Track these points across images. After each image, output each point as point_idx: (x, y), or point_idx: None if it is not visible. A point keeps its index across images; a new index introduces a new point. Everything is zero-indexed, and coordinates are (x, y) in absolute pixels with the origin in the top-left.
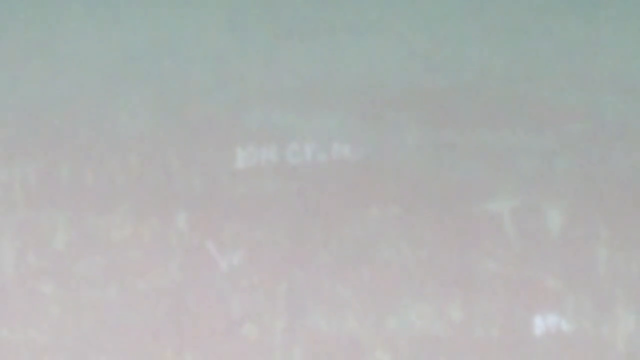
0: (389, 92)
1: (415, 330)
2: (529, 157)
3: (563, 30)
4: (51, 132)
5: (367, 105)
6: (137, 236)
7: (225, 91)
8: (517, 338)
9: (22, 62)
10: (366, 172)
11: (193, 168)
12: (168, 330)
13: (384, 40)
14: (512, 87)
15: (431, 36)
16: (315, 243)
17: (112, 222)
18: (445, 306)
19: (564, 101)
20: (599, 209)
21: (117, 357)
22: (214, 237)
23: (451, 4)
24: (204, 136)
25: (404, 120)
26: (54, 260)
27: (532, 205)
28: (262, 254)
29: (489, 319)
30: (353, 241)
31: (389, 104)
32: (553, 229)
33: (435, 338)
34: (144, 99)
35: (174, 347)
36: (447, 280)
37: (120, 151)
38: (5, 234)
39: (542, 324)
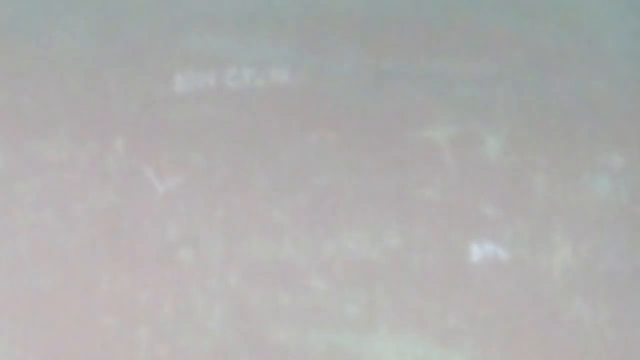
0: (328, 18)
1: (351, 257)
2: (468, 85)
3: None
4: None
5: (306, 31)
6: (74, 159)
7: (164, 16)
8: (454, 265)
9: None
10: (304, 98)
11: (131, 92)
12: (104, 253)
13: None
14: (451, 15)
15: None
16: (252, 168)
17: (49, 145)
18: (382, 233)
19: (504, 29)
20: (537, 137)
21: (52, 279)
22: (151, 161)
23: None
24: (142, 60)
25: (343, 47)
26: None
27: (470, 133)
28: (200, 178)
29: (426, 246)
30: (290, 167)
31: (328, 30)
32: (491, 157)
33: (372, 264)
34: (82, 22)
35: (110, 271)
36: (385, 207)
37: (57, 75)
38: None
39: (479, 251)
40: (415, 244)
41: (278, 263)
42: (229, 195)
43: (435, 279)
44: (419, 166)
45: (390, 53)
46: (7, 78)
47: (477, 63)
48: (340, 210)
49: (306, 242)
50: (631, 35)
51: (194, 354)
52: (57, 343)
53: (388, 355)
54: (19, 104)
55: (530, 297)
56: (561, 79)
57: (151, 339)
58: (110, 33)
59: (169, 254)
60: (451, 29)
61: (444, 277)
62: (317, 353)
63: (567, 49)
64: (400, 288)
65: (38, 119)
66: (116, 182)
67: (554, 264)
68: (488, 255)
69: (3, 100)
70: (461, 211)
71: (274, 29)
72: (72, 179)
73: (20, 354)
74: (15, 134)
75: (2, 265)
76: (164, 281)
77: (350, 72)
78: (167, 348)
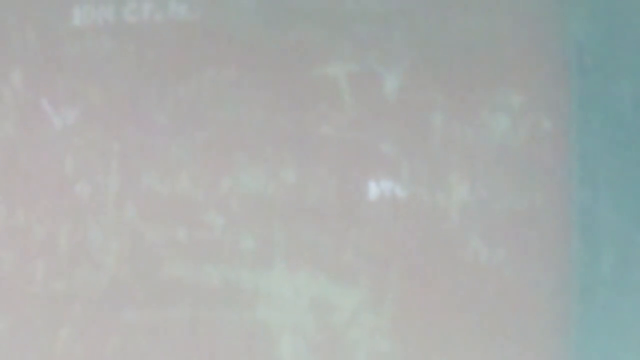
0: None
1: (248, 192)
2: (367, 22)
3: None
4: None
5: None
6: None
7: None
8: (351, 202)
9: None
10: (203, 33)
11: (29, 25)
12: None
13: None
14: None
15: None
16: (150, 103)
17: None
18: (279, 169)
19: None
20: (436, 75)
21: None
22: (48, 95)
23: None
24: None
25: None
26: None
27: (369, 71)
28: (97, 112)
29: (323, 183)
30: (188, 102)
31: None
32: (389, 94)
33: (269, 200)
34: None
35: (5, 204)
36: (282, 143)
37: None
38: None
39: (376, 189)
40: (312, 181)
41: (175, 198)
42: (126, 130)
43: (332, 215)
44: (317, 103)
45: None
46: None
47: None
48: (238, 146)
49: (203, 177)
50: None
51: (90, 288)
52: None
53: (283, 291)
54: None
55: (427, 235)
56: (461, 16)
57: (47, 273)
58: None
59: (66, 188)
60: None
61: (341, 214)
62: (212, 288)
63: None
64: (296, 224)
65: None
66: (13, 115)
67: (452, 202)
68: (385, 192)
69: None
70: (359, 148)
71: None
72: None
73: None
74: None
75: None
76: (60, 216)
77: (250, 8)
78: (62, 282)
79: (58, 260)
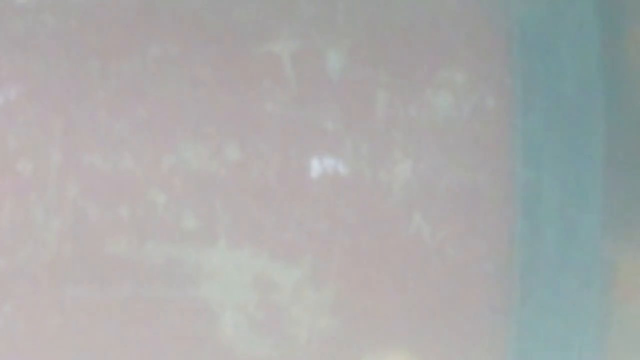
0: None
1: (191, 170)
2: (311, 0)
3: None
4: None
5: None
6: None
7: None
8: (293, 179)
9: None
10: (146, 10)
11: None
12: None
13: None
14: None
15: None
16: (93, 80)
17: None
18: (221, 146)
19: None
20: (379, 52)
21: None
22: None
23: None
24: None
25: None
26: None
27: (311, 48)
28: (39, 89)
29: (266, 160)
30: (131, 79)
31: None
32: (332, 72)
33: (211, 178)
34: None
35: None
36: (225, 121)
37: None
38: None
39: (318, 166)
40: (254, 158)
41: (117, 175)
42: (68, 107)
43: (275, 192)
44: (260, 80)
45: None
46: None
47: None
48: (180, 123)
49: (145, 154)
50: None
51: (32, 265)
52: None
53: (226, 268)
54: None
55: (370, 212)
56: None
57: None
58: None
59: (7, 165)
60: None
61: (284, 191)
62: (155, 265)
63: None
64: (239, 202)
65: None
66: None
67: (394, 180)
68: (327, 169)
69: None
70: (301, 126)
71: None
72: None
73: None
74: None
75: None
76: (1, 193)
77: None
78: (4, 260)
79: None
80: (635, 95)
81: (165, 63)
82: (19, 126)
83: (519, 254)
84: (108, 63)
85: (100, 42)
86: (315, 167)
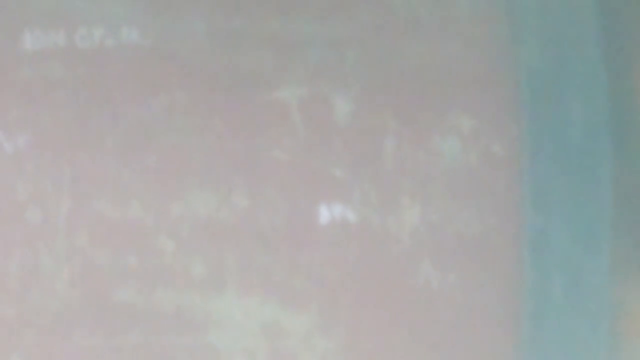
0: None
1: (199, 217)
2: (318, 47)
3: None
4: None
5: None
6: None
7: None
8: (302, 226)
9: None
10: (155, 59)
11: None
12: None
13: None
14: None
15: None
16: (101, 128)
17: None
18: (230, 194)
19: None
20: (387, 99)
21: None
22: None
23: None
24: None
25: (193, 7)
26: None
27: (320, 95)
28: (48, 138)
29: (274, 207)
30: (140, 127)
31: None
32: (341, 119)
33: (220, 225)
34: None
35: None
36: (233, 168)
37: None
38: None
39: (327, 213)
40: (263, 205)
41: (126, 223)
42: (77, 155)
43: (283, 240)
44: (268, 127)
45: (241, 13)
46: None
47: (327, 24)
48: (189, 171)
49: (154, 202)
50: None
51: (41, 314)
52: None
53: (235, 316)
54: None
55: (378, 260)
56: (412, 40)
57: None
58: None
59: (17, 214)
60: None
61: (292, 239)
62: (164, 313)
63: (418, 9)
64: (247, 249)
65: None
66: None
67: (403, 227)
68: (336, 217)
69: None
70: (310, 173)
71: None
72: None
73: None
74: None
75: None
76: (11, 241)
77: (201, 32)
78: (14, 309)
79: (9, 286)
80: None
81: (173, 111)
82: (28, 174)
83: (528, 299)
84: (116, 111)
85: (108, 90)
86: (324, 214)
